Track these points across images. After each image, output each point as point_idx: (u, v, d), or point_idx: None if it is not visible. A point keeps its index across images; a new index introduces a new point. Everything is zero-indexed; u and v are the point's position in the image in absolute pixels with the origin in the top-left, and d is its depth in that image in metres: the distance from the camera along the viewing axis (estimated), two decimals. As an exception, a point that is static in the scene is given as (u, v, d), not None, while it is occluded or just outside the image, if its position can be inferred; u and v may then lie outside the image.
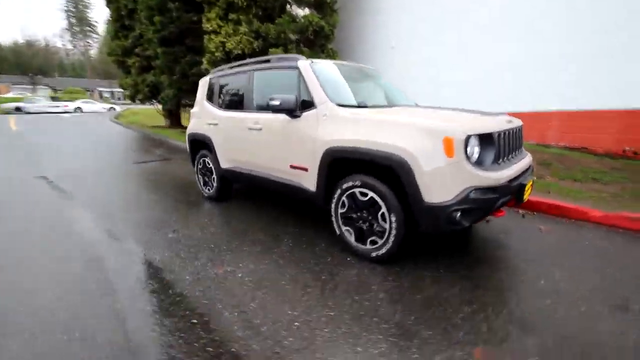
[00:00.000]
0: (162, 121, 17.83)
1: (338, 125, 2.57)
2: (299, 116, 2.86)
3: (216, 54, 8.83)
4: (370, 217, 2.45)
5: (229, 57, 8.85)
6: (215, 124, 3.90)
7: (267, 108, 3.09)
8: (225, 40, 8.58)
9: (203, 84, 4.34)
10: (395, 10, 9.43)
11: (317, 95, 2.77)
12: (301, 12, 9.80)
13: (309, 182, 2.84)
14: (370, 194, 2.39)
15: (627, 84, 5.47)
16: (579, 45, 5.91)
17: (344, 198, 2.58)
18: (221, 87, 3.99)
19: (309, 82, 2.85)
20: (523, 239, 3.00)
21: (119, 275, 2.37)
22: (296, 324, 1.84)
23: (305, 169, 2.84)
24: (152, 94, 14.65)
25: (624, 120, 5.62)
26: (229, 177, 3.92)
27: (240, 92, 3.66)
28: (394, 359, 1.59)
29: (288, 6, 9.55)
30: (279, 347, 1.67)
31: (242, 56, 8.82)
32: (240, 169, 3.67)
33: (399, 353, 1.63)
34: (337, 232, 2.69)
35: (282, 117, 2.99)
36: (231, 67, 3.99)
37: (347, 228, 2.62)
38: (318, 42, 9.49)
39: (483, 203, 2.15)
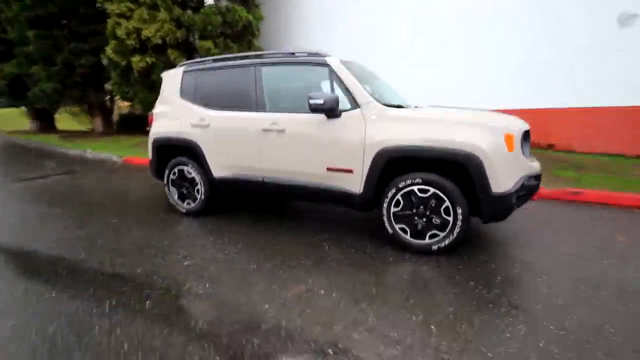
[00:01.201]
0: (25, 124, 13.94)
1: (391, 126, 2.56)
2: (339, 116, 2.72)
3: (128, 41, 7.43)
4: (429, 213, 2.55)
5: (144, 46, 7.57)
6: (205, 126, 3.33)
7: (289, 107, 2.86)
8: (141, 26, 7.27)
9: (172, 78, 3.64)
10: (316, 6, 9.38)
11: (360, 94, 2.69)
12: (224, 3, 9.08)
13: (354, 184, 2.74)
14: (432, 190, 2.48)
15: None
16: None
17: (398, 196, 2.60)
18: (205, 82, 3.43)
19: (347, 81, 2.74)
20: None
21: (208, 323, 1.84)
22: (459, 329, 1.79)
23: (350, 171, 2.73)
24: (12, 90, 11.25)
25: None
26: (223, 187, 3.42)
27: (241, 89, 3.21)
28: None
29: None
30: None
31: (162, 46, 7.68)
32: (244, 176, 3.24)
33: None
34: (390, 231, 2.69)
35: (315, 117, 2.80)
36: (218, 60, 3.46)
37: (401, 226, 2.65)
38: (246, 37, 8.99)
39: (531, 189, 2.51)
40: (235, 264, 2.53)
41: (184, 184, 3.61)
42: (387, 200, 2.64)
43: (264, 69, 3.12)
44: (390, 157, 2.54)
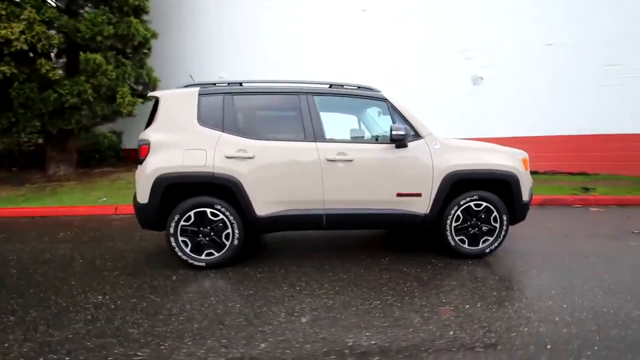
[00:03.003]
0: None
1: (452, 153, 3.05)
2: (406, 146, 2.99)
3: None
4: (480, 223, 3.13)
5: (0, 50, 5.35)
6: (248, 158, 2.86)
7: (350, 137, 2.94)
8: (-5, 23, 5.16)
9: (180, 100, 2.97)
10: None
11: (421, 127, 3.06)
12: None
13: (421, 206, 3.02)
14: (484, 204, 3.09)
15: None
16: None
17: (459, 212, 3.07)
18: (240, 108, 2.98)
19: (407, 115, 3.05)
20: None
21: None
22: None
23: (419, 195, 3.01)
24: None
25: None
26: (266, 227, 2.99)
27: (292, 118, 2.99)
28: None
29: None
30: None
31: (27, 53, 5.63)
32: (299, 211, 2.96)
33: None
34: (452, 243, 3.09)
35: (384, 146, 2.97)
36: (254, 85, 3.08)
37: (461, 237, 3.12)
38: (137, 54, 7.67)
39: (532, 196, 3.49)
40: (352, 305, 2.31)
41: (202, 231, 2.89)
42: (450, 217, 3.07)
43: (317, 99, 3.04)
44: (457, 180, 3.01)
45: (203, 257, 2.93)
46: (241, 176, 2.85)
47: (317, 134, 2.99)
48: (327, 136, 3.01)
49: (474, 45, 7.89)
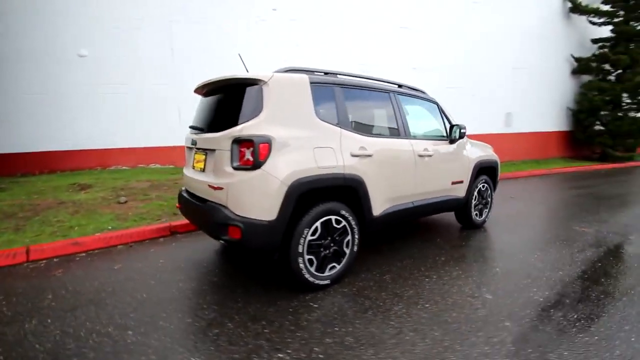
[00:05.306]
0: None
1: (473, 147, 3.91)
2: (454, 142, 3.60)
3: None
4: (483, 200, 4.18)
5: None
6: (368, 156, 2.65)
7: (423, 135, 3.34)
8: None
9: (292, 87, 2.38)
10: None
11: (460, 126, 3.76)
12: None
13: (462, 190, 3.74)
14: (486, 185, 4.16)
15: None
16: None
17: (475, 193, 4.01)
18: (350, 103, 2.68)
19: (449, 116, 3.67)
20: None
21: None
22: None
23: (462, 182, 3.71)
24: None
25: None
26: (378, 227, 2.88)
27: (387, 115, 2.96)
28: None
29: None
30: None
31: None
32: (398, 206, 3.02)
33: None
34: (473, 217, 4.00)
35: (444, 142, 3.49)
36: (350, 77, 2.80)
37: (476, 212, 4.06)
38: None
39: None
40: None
41: (324, 243, 2.49)
42: (474, 198, 3.96)
43: (400, 98, 3.16)
44: (479, 168, 3.91)
45: (327, 273, 2.51)
46: (365, 175, 2.63)
47: (406, 132, 3.14)
48: (412, 134, 3.22)
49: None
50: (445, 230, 4.03)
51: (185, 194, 2.92)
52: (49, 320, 2.10)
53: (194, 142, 2.69)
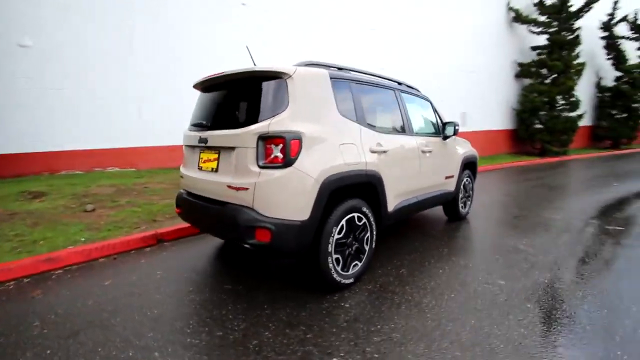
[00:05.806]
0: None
1: (460, 144, 4.13)
2: (448, 138, 3.77)
3: None
4: (466, 193, 4.43)
5: None
6: (384, 152, 2.65)
7: (421, 131, 3.45)
8: None
9: (313, 81, 2.30)
10: None
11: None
12: None
13: (452, 185, 3.92)
14: (468, 179, 4.41)
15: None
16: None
17: (461, 186, 4.23)
18: (364, 98, 2.66)
19: (441, 115, 3.82)
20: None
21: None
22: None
23: (453, 176, 3.89)
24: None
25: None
26: (389, 222, 2.90)
27: (394, 112, 3.00)
28: None
29: None
30: None
31: None
32: (405, 201, 3.07)
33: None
34: (460, 209, 4.22)
35: (439, 139, 3.62)
36: (360, 73, 2.78)
37: (461, 204, 4.29)
38: None
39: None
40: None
41: (347, 241, 2.45)
42: (461, 191, 4.18)
43: (402, 95, 3.21)
44: (466, 163, 4.14)
45: (351, 271, 2.47)
46: (382, 171, 2.64)
47: (410, 128, 3.21)
48: (414, 130, 3.29)
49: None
50: (434, 223, 4.20)
51: (187, 197, 2.68)
52: (48, 352, 1.79)
53: (202, 140, 2.47)
